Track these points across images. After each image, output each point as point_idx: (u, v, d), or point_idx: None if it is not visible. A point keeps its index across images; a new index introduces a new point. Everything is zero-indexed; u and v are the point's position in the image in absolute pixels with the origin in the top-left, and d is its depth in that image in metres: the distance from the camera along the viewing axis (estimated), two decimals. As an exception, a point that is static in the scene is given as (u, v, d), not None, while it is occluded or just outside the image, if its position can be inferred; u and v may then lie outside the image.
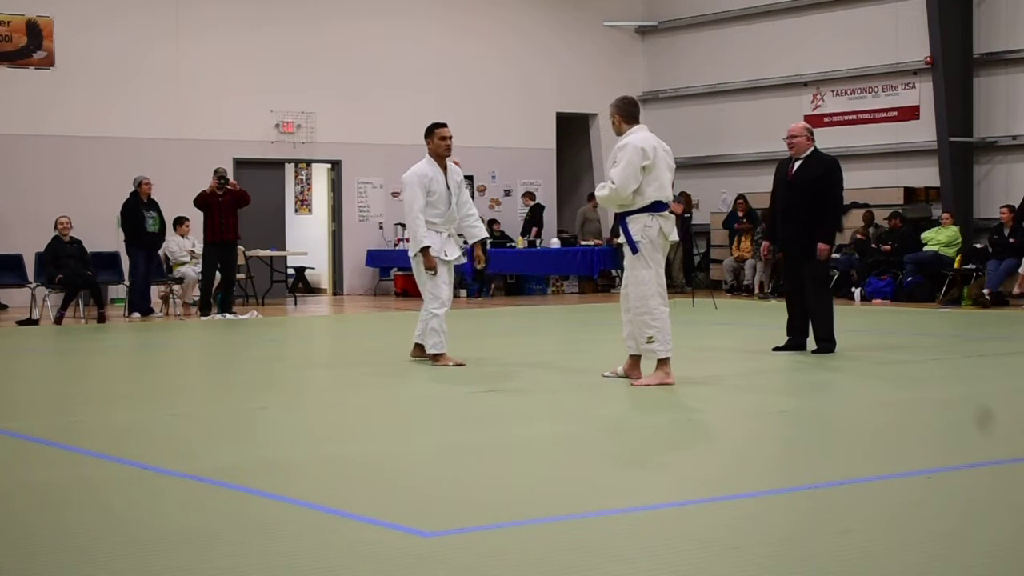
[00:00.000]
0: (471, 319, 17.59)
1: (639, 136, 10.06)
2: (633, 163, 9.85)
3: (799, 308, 12.41)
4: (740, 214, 23.14)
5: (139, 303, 18.18)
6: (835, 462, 6.95)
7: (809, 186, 12.17)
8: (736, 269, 23.15)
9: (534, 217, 24.80)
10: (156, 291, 18.61)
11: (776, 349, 12.40)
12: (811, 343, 12.35)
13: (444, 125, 11.77)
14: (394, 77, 23.79)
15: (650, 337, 9.84)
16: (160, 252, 19.11)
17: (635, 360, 10.15)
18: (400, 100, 23.71)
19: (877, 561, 4.77)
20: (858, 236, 21.86)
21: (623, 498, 5.92)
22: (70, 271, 17.59)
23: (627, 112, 10.24)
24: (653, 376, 9.94)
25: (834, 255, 22.12)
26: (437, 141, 11.56)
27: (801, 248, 12.19)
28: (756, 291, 22.58)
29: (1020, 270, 19.13)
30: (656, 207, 9.91)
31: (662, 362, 9.91)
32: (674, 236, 10.10)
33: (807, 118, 23.75)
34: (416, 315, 11.90)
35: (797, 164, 12.34)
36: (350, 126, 23.51)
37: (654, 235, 9.89)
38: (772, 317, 17.96)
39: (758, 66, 24.49)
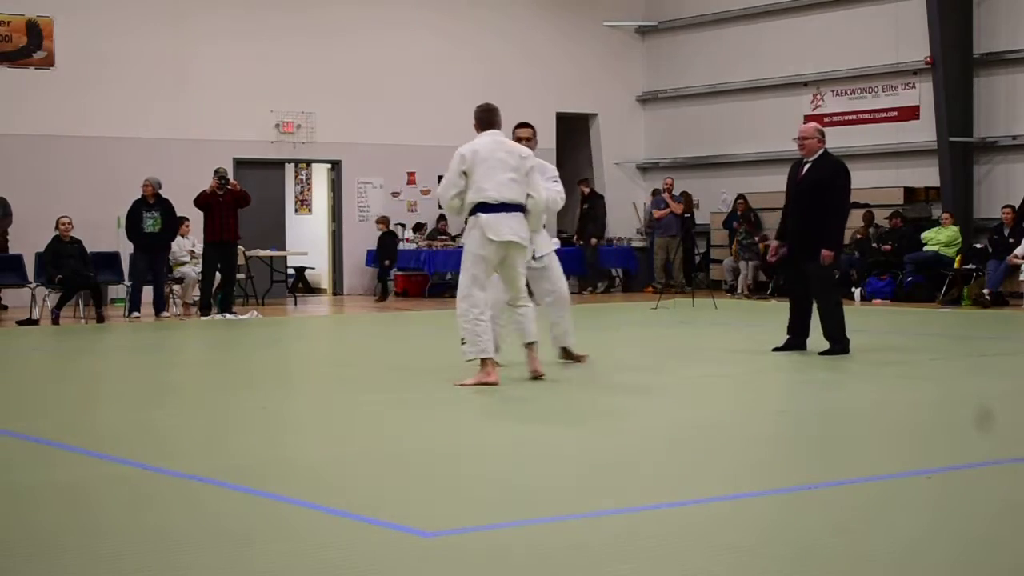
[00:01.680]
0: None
1: (470, 143, 10.07)
2: (451, 170, 9.96)
3: (800, 309, 12.34)
4: (740, 214, 23.13)
5: (139, 303, 18.14)
6: (831, 462, 6.94)
7: (815, 188, 12.07)
8: (735, 269, 23.13)
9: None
10: (147, 291, 18.51)
11: (776, 349, 12.34)
12: (819, 344, 12.12)
13: (522, 125, 11.58)
14: (394, 77, 23.77)
15: (462, 339, 9.93)
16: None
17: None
18: (399, 100, 23.69)
19: (875, 561, 4.76)
20: (858, 236, 21.84)
21: (623, 498, 5.91)
22: (70, 271, 17.57)
23: (479, 118, 10.26)
24: (473, 376, 9.93)
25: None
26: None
27: (805, 250, 12.10)
28: (741, 291, 22.59)
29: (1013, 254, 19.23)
30: (480, 209, 9.88)
31: (483, 362, 9.91)
32: (507, 236, 9.89)
33: (807, 118, 23.74)
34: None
35: (807, 166, 12.24)
36: (350, 126, 23.49)
37: (476, 238, 9.91)
38: (772, 317, 17.96)
39: (758, 66, 24.48)
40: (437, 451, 7.30)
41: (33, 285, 18.25)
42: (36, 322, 17.34)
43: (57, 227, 17.99)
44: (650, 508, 5.67)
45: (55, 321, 17.20)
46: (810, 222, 12.08)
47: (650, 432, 8.04)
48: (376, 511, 5.59)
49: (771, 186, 24.06)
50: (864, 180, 22.69)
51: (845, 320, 12.15)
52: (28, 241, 19.08)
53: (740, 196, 23.44)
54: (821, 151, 12.21)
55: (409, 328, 14.07)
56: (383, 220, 22.59)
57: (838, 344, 12.04)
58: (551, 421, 8.50)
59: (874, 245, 21.49)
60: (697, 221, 25.01)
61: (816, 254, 11.98)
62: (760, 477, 6.53)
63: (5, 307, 19.68)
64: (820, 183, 12.07)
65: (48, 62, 20.99)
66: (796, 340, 12.34)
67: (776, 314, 18.37)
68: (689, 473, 6.62)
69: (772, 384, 10.50)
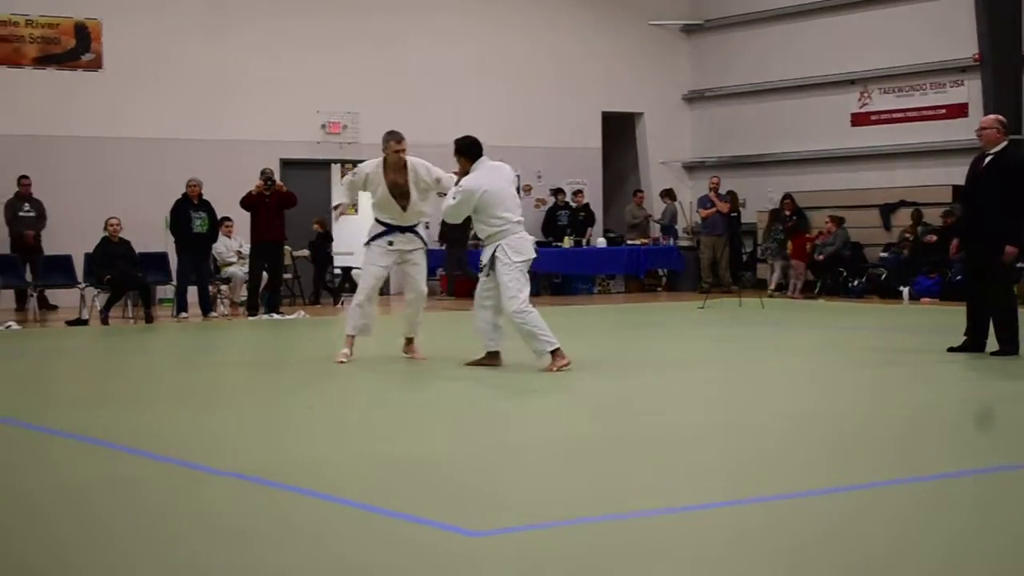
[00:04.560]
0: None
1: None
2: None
3: (979, 309, 11.71)
4: (787, 213, 23.01)
5: (185, 303, 18.24)
6: (880, 462, 6.92)
7: (997, 183, 11.42)
8: (784, 268, 23.01)
9: (588, 216, 24.82)
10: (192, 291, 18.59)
11: (951, 349, 11.81)
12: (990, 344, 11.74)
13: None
14: (440, 77, 23.80)
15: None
16: (209, 253, 19.17)
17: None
18: (445, 100, 23.70)
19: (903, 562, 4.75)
20: (907, 235, 21.71)
21: (666, 498, 5.91)
22: (119, 272, 17.69)
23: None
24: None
25: (882, 254, 22.10)
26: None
27: (986, 248, 11.47)
28: (770, 288, 22.50)
29: None
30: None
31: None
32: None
33: (854, 116, 23.67)
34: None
35: (988, 159, 11.59)
36: (395, 126, 23.22)
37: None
38: (820, 317, 17.88)
39: (804, 64, 24.35)
40: (483, 450, 7.32)
41: (82, 286, 18.38)
42: (85, 322, 17.48)
43: (106, 228, 18.11)
44: (693, 509, 5.67)
45: (104, 321, 17.34)
46: (992, 217, 11.42)
47: (692, 433, 8.04)
48: (422, 510, 5.61)
49: (818, 184, 23.98)
50: (912, 179, 22.57)
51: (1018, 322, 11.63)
52: (77, 242, 19.19)
53: (787, 195, 23.32)
54: (1003, 143, 11.58)
55: (456, 328, 14.07)
56: (319, 221, 22.12)
57: (1010, 345, 11.55)
58: (593, 421, 8.50)
59: (923, 241, 21.33)
60: (744, 220, 24.91)
61: (998, 250, 11.38)
62: (805, 477, 6.51)
63: (55, 307, 19.86)
64: (1003, 176, 11.43)
65: (96, 64, 21.17)
66: (973, 342, 11.75)
67: (825, 314, 18.31)
68: (732, 472, 6.60)
69: (823, 384, 10.44)
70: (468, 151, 11.14)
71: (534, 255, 11.06)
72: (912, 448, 7.33)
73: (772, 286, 22.66)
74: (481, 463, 6.94)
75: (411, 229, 12.12)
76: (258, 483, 6.29)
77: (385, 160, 11.98)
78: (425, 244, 12.34)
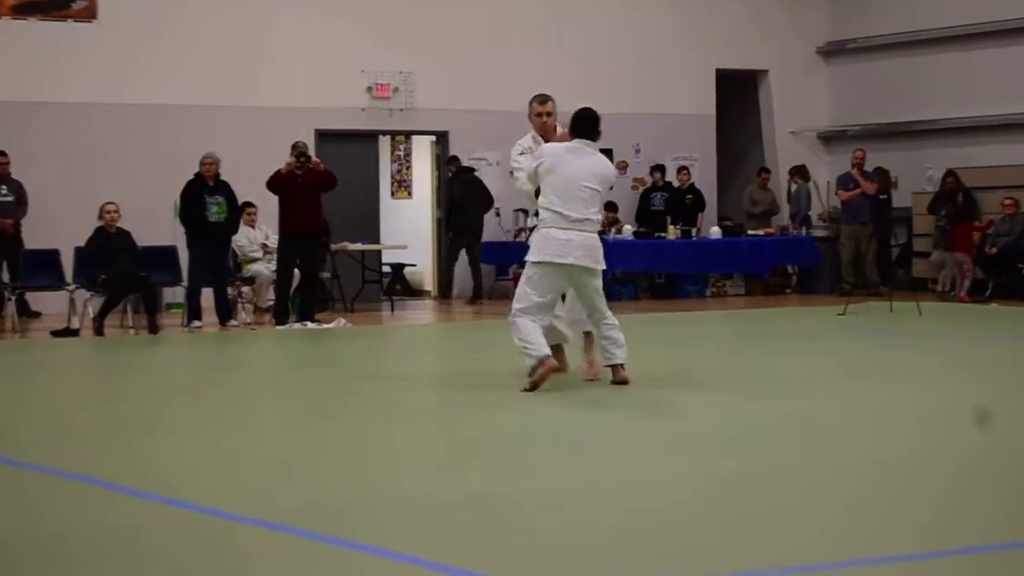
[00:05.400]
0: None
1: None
2: None
3: None
4: (951, 194, 22.75)
5: (199, 309, 18.29)
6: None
7: None
8: (942, 263, 22.77)
9: (697, 200, 24.66)
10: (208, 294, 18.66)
11: None
12: None
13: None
14: (514, 28, 23.73)
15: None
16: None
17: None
18: (521, 56, 23.62)
19: None
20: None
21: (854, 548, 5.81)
22: (118, 270, 17.74)
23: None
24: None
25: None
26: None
27: None
28: (940, 289, 22.26)
29: None
30: None
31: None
32: None
33: (1035, 72, 23.38)
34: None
35: None
36: (459, 89, 23.50)
37: None
38: (994, 325, 17.67)
39: (971, 8, 24.08)
40: (565, 491, 7.26)
41: (72, 287, 18.46)
42: (76, 332, 17.57)
43: (101, 216, 18.18)
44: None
45: (98, 331, 17.42)
46: None
47: (849, 472, 7.92)
48: (488, 566, 5.62)
49: (991, 159, 23.69)
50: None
51: None
52: (65, 233, 19.27)
53: (950, 173, 23.06)
54: None
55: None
56: None
57: None
58: (710, 455, 8.43)
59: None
60: (895, 204, 24.67)
61: None
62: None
63: (38, 314, 19.93)
64: None
65: (89, 14, 21.29)
66: None
67: (1001, 322, 18.09)
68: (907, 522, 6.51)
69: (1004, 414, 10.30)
70: (574, 125, 11.58)
71: (561, 260, 11.24)
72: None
73: (941, 286, 22.35)
74: (564, 507, 6.87)
75: None
76: (287, 533, 6.28)
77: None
78: None
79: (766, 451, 8.68)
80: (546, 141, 11.84)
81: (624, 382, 11.35)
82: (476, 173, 23.06)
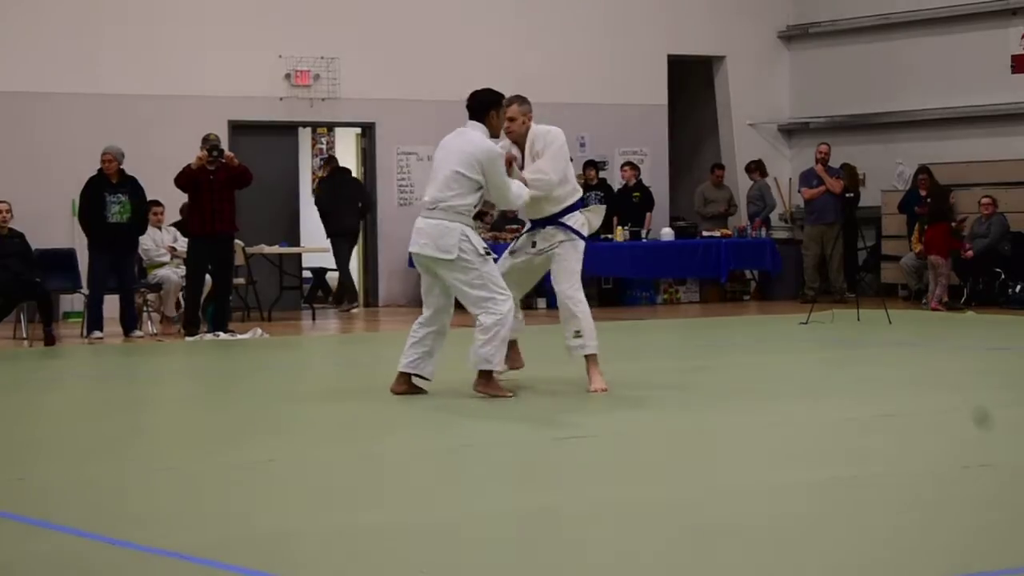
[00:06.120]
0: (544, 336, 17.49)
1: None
2: (565, 155, 12.35)
3: None
4: (923, 193, 22.90)
5: (101, 318, 18.21)
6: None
7: None
8: (919, 268, 22.90)
9: (645, 197, 24.65)
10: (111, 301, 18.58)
11: None
12: None
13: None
14: (449, 10, 23.74)
15: (577, 331, 12.19)
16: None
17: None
18: (456, 42, 23.64)
19: None
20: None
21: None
22: (9, 275, 17.67)
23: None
24: (599, 377, 12.06)
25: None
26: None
27: None
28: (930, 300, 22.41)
29: None
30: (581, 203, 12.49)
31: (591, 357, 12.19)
32: None
33: (1016, 60, 23.53)
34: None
35: None
36: (387, 77, 23.48)
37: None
38: (971, 334, 17.76)
39: (947, -12, 24.28)
40: (500, 517, 7.24)
41: (-45, 296, 18.39)
42: (-38, 345, 17.50)
43: (-10, 216, 18.13)
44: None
45: (-13, 344, 17.37)
46: None
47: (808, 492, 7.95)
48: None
49: (966, 153, 23.83)
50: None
51: None
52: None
53: (922, 169, 23.20)
54: None
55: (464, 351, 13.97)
56: None
57: None
58: (676, 479, 8.44)
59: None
60: (863, 203, 24.79)
61: None
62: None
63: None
64: None
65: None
66: None
67: (978, 331, 18.19)
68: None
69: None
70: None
71: (412, 247, 11.71)
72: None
73: (932, 296, 22.41)
74: (499, 535, 6.85)
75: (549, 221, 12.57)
76: (202, 564, 6.29)
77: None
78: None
79: (694, 473, 8.72)
80: (520, 149, 12.05)
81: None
82: (353, 175, 23.66)
